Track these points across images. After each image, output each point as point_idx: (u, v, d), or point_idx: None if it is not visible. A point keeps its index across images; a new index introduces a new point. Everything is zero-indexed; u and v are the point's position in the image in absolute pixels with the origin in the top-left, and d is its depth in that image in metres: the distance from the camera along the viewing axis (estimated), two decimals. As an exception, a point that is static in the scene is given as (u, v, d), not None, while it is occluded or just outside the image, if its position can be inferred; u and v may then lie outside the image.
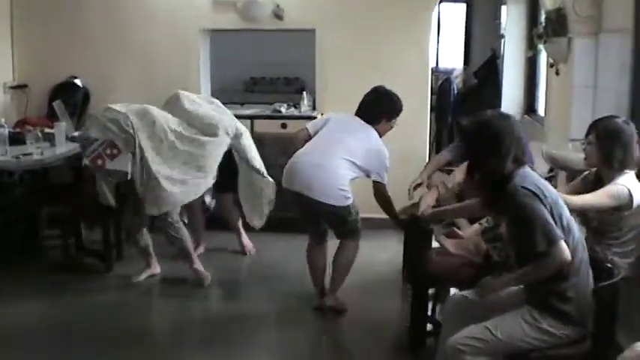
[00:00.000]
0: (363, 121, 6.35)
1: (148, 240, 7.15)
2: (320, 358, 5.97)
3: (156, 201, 6.74)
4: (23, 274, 7.31)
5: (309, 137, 6.34)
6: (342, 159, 6.04)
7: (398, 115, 6.52)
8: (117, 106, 6.78)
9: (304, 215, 6.37)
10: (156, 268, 7.21)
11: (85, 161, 6.68)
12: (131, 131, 6.61)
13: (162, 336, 6.26)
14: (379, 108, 6.41)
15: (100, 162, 6.60)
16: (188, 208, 7.47)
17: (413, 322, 5.59)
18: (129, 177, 6.68)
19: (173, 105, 7.07)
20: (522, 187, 3.97)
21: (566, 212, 4.09)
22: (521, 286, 4.25)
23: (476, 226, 5.33)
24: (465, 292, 4.47)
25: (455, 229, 5.39)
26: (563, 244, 3.91)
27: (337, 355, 6.10)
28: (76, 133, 7.79)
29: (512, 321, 4.07)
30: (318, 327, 6.28)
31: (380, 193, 6.30)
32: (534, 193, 3.96)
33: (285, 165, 6.24)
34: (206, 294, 6.98)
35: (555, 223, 3.94)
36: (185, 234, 7.02)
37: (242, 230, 7.89)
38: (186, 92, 7.25)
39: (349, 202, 6.06)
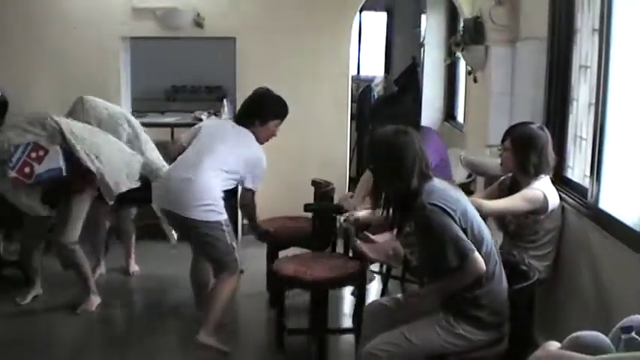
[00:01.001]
0: (239, 126, 5.91)
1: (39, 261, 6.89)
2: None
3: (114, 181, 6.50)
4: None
5: (184, 149, 5.90)
6: (212, 170, 5.58)
7: (278, 118, 6.05)
8: (27, 114, 6.64)
9: (180, 233, 6.28)
10: (39, 289, 6.92)
11: (12, 174, 6.15)
12: (54, 125, 6.32)
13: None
14: (254, 109, 5.98)
15: (27, 170, 6.18)
16: (93, 223, 7.14)
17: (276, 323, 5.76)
18: (64, 173, 6.29)
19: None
20: (430, 203, 3.93)
21: (477, 219, 4.09)
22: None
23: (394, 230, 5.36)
24: (382, 300, 4.49)
25: (367, 233, 5.42)
26: (476, 255, 3.91)
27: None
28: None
29: (427, 326, 4.07)
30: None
31: (248, 200, 5.90)
32: (442, 209, 3.92)
33: None
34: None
35: (466, 233, 3.94)
36: (82, 257, 6.68)
37: (133, 250, 7.71)
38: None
39: (218, 217, 5.56)
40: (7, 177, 6.17)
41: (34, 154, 6.20)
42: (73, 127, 6.41)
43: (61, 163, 6.27)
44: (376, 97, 11.41)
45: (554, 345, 3.09)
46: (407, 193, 4.04)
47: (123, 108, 7.78)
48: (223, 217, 5.59)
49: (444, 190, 4.06)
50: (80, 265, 6.63)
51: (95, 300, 6.69)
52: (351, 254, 5.77)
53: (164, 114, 9.10)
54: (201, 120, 8.47)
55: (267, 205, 7.03)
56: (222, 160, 5.64)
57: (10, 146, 6.18)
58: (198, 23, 8.45)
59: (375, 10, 12.81)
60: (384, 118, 6.18)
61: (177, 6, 8.40)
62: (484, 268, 3.93)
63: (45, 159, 6.22)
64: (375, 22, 13.07)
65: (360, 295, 6.05)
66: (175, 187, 5.60)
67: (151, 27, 8.58)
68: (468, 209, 4.06)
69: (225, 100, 8.86)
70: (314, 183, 6.41)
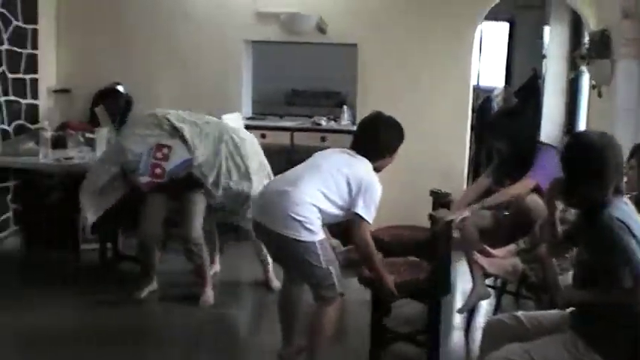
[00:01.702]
0: (358, 155, 5.25)
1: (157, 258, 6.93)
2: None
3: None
4: (59, 277, 7.37)
5: None
6: (312, 186, 4.99)
7: (400, 145, 5.50)
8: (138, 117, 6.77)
9: (269, 250, 5.72)
10: (155, 284, 6.97)
11: (144, 180, 6.38)
12: (169, 123, 6.49)
13: (191, 345, 6.26)
14: (380, 143, 5.37)
15: (158, 170, 6.37)
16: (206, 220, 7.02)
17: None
18: (195, 162, 6.43)
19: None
20: (617, 218, 3.75)
21: None
22: (568, 310, 4.17)
23: (511, 246, 5.30)
24: (502, 316, 4.41)
25: (487, 247, 5.36)
26: None
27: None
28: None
29: (551, 347, 3.90)
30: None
31: (360, 234, 5.03)
32: (628, 228, 3.75)
33: None
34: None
35: None
36: (205, 253, 6.75)
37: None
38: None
39: (312, 237, 4.93)
40: (141, 183, 6.42)
41: (159, 154, 6.35)
42: (180, 114, 6.63)
43: (189, 153, 6.42)
44: (496, 108, 11.27)
45: None
46: (598, 200, 3.86)
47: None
48: (317, 237, 4.96)
49: (630, 212, 3.88)
50: (204, 259, 6.71)
51: (211, 295, 6.76)
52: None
53: (283, 118, 9.14)
54: (320, 125, 8.52)
55: (384, 214, 7.02)
56: (326, 180, 5.03)
57: (134, 155, 6.37)
58: (321, 29, 8.48)
59: (497, 20, 12.70)
60: (503, 130, 6.05)
61: (300, 11, 8.45)
62: None
63: (170, 155, 6.38)
64: (497, 33, 12.96)
65: (470, 309, 6.06)
66: (270, 198, 5.08)
67: (273, 31, 8.66)
68: None
69: (344, 107, 8.87)
70: (432, 193, 6.35)
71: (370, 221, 5.05)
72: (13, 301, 6.64)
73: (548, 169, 5.74)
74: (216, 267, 7.48)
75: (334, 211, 5.04)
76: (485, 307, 6.68)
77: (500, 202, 5.96)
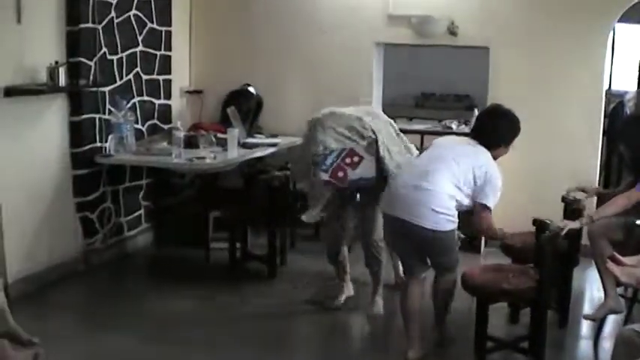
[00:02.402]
0: (478, 144, 5.60)
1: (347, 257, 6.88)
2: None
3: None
4: (188, 274, 7.54)
5: None
6: (445, 178, 5.36)
7: (516, 137, 5.80)
8: (344, 110, 6.42)
9: (401, 244, 5.75)
10: (350, 290, 6.90)
11: (324, 177, 6.19)
12: (372, 135, 6.22)
13: (316, 347, 6.30)
14: (497, 132, 5.68)
15: (341, 174, 6.17)
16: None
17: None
18: (374, 183, 6.23)
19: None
20: None
21: None
22: None
23: None
24: (636, 326, 4.33)
25: (616, 254, 5.26)
26: None
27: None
28: (249, 140, 8.00)
29: None
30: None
31: (487, 222, 5.52)
32: None
33: None
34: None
35: None
36: (384, 259, 6.64)
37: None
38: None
39: (453, 226, 5.43)
40: (316, 178, 6.26)
41: (348, 160, 6.18)
42: (388, 143, 6.31)
43: (375, 174, 6.22)
44: (628, 113, 11.03)
45: None
46: None
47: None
48: (456, 225, 5.47)
49: None
50: (382, 263, 6.62)
51: (381, 304, 6.67)
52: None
53: (412, 120, 9.14)
54: (450, 128, 8.48)
55: (513, 219, 6.95)
56: (453, 171, 5.39)
57: (325, 149, 6.18)
58: (453, 32, 8.43)
59: (631, 22, 12.42)
60: (629, 136, 5.94)
61: (432, 14, 8.41)
62: None
63: (359, 166, 6.20)
64: (631, 35, 12.67)
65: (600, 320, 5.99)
66: (405, 193, 5.43)
67: (405, 34, 8.64)
68: None
69: (475, 110, 8.80)
70: (564, 199, 6.26)
71: (491, 206, 5.47)
72: (144, 297, 6.86)
73: None
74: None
75: (465, 200, 5.44)
76: (615, 317, 6.56)
77: (613, 213, 5.83)
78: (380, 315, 6.59)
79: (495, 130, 5.68)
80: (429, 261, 5.68)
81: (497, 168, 5.55)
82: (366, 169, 6.20)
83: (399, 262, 6.63)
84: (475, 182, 5.40)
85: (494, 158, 5.59)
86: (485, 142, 5.59)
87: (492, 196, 5.45)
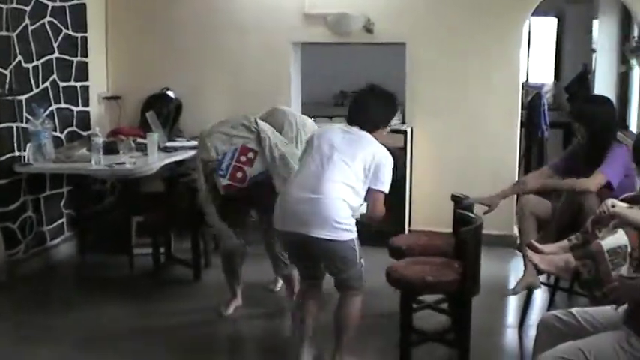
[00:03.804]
0: (358, 131, 5.28)
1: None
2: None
3: None
4: (113, 281, 7.49)
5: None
6: (337, 184, 5.07)
7: (394, 116, 5.63)
8: (228, 118, 6.46)
9: (298, 257, 5.52)
10: (240, 299, 6.71)
11: (224, 182, 6.10)
12: (256, 126, 6.18)
13: (241, 348, 6.29)
14: (374, 114, 5.36)
15: (240, 175, 6.09)
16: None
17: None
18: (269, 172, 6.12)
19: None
20: None
21: None
22: (623, 307, 4.14)
23: (563, 242, 5.27)
24: (557, 312, 4.39)
25: (534, 242, 5.34)
26: None
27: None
28: (169, 144, 7.96)
29: (606, 344, 3.86)
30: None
31: (381, 207, 5.30)
32: None
33: None
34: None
35: None
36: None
37: None
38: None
39: (352, 235, 5.13)
40: (219, 185, 6.14)
41: (243, 158, 6.10)
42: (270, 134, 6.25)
43: (267, 164, 6.12)
44: (546, 104, 11.17)
45: None
46: None
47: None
48: (355, 234, 5.16)
49: None
50: (289, 265, 6.48)
51: None
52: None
53: (332, 119, 9.13)
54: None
55: (435, 215, 7.03)
56: (344, 171, 5.10)
57: (216, 155, 6.11)
58: (369, 29, 8.47)
59: (546, 15, 12.60)
60: (588, 114, 5.96)
61: (348, 12, 8.45)
62: None
63: (256, 161, 6.13)
64: (545, 28, 12.86)
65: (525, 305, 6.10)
66: (302, 208, 5.08)
67: (321, 32, 8.66)
68: None
69: (393, 106, 8.86)
70: (454, 197, 6.29)
71: (386, 191, 5.26)
72: (70, 306, 6.77)
73: (619, 167, 5.71)
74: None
75: (358, 201, 5.20)
76: (538, 304, 6.67)
77: (561, 188, 5.95)
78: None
79: (372, 112, 5.37)
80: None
81: (385, 150, 5.27)
82: (264, 163, 6.13)
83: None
84: (367, 173, 5.15)
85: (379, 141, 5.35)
86: (364, 126, 5.29)
87: (387, 180, 5.23)
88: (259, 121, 6.29)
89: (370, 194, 5.22)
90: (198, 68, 8.99)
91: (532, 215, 6.04)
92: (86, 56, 8.59)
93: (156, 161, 7.52)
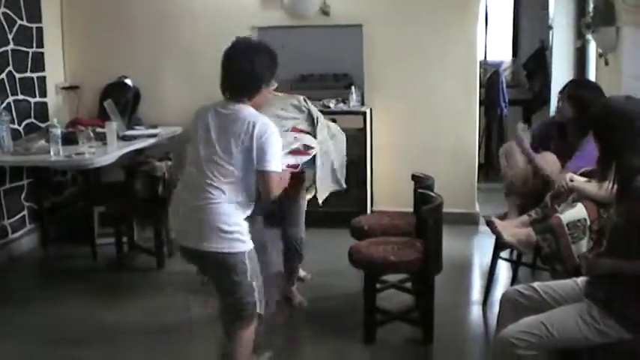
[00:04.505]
0: (233, 107, 4.47)
1: None
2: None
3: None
4: (76, 272, 7.45)
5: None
6: (220, 183, 4.36)
7: (273, 74, 4.68)
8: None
9: (204, 274, 5.06)
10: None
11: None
12: (307, 105, 5.88)
13: (208, 334, 6.27)
14: (253, 73, 4.52)
15: (292, 160, 5.50)
16: None
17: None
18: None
19: None
20: None
21: None
22: (584, 279, 4.19)
23: (524, 217, 5.31)
24: (519, 287, 4.42)
25: (494, 218, 5.40)
26: None
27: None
28: (129, 132, 7.92)
29: (568, 317, 3.93)
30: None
31: (274, 188, 4.48)
32: None
33: None
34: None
35: None
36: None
37: None
38: None
39: (243, 247, 4.42)
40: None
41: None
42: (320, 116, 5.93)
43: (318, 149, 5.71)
44: (504, 82, 11.22)
45: None
46: (634, 165, 3.82)
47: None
48: (248, 246, 4.43)
49: None
50: (302, 258, 6.35)
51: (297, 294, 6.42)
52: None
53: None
54: (329, 107, 8.50)
55: (397, 196, 7.04)
56: (225, 167, 4.38)
57: None
58: (325, 11, 8.50)
59: (502, -7, 12.66)
60: (578, 96, 5.90)
61: (304, -5, 8.47)
62: None
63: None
64: (502, 6, 12.89)
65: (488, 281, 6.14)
66: (190, 216, 4.44)
67: (279, 16, 8.69)
68: None
69: (352, 88, 8.86)
70: (414, 177, 6.30)
71: (277, 170, 4.47)
72: (33, 299, 6.73)
73: (585, 163, 5.72)
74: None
75: (252, 189, 4.50)
76: (502, 280, 6.72)
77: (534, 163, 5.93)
78: (304, 304, 6.37)
79: (244, 73, 4.51)
80: None
81: (267, 120, 4.49)
82: (312, 141, 5.68)
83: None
84: (250, 157, 4.38)
85: (258, 107, 4.59)
86: (240, 95, 4.50)
87: (273, 159, 4.41)
88: (308, 101, 5.92)
89: (258, 176, 4.43)
90: (156, 55, 8.96)
91: (517, 196, 6.07)
92: (42, 47, 8.52)
93: (115, 150, 7.47)
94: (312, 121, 5.84)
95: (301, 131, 5.66)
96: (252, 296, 4.45)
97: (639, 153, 3.81)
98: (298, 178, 5.89)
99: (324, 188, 5.98)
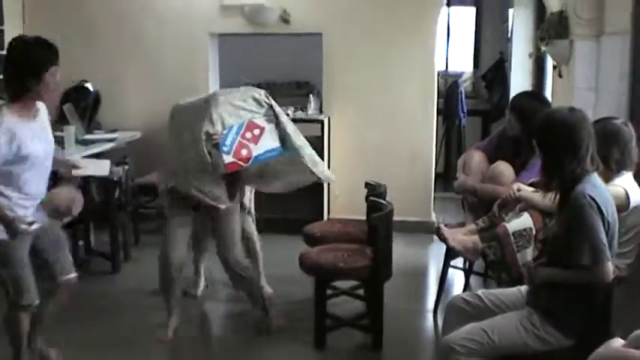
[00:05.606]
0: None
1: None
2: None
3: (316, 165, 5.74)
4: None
5: None
6: None
7: (51, 63, 4.65)
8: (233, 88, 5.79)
9: None
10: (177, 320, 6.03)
11: (227, 159, 5.32)
12: (267, 100, 5.64)
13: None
14: (17, 71, 4.57)
15: (245, 152, 5.39)
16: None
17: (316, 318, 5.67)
18: (281, 155, 5.63)
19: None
20: (590, 195, 3.83)
21: (616, 235, 4.01)
22: (524, 287, 4.28)
23: (471, 225, 5.38)
24: (464, 294, 4.50)
25: (442, 225, 5.48)
26: (608, 265, 3.83)
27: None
28: (87, 136, 7.92)
29: (509, 324, 4.01)
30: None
31: None
32: (598, 207, 3.83)
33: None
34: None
35: (609, 244, 3.86)
36: (251, 271, 6.05)
37: None
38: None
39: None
40: (221, 162, 5.37)
41: (249, 134, 5.44)
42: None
43: (279, 143, 5.60)
44: (463, 92, 11.33)
45: (618, 342, 3.08)
46: (576, 175, 3.91)
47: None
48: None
49: (603, 190, 3.96)
50: (254, 281, 6.08)
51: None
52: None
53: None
54: (287, 115, 8.52)
55: (352, 202, 7.09)
56: None
57: (223, 127, 5.41)
58: (285, 19, 8.55)
59: (464, 4, 12.75)
60: (528, 110, 5.89)
61: (263, 3, 8.53)
62: (610, 279, 3.87)
63: (261, 138, 5.51)
64: (464, 17, 13.01)
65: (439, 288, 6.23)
66: None
67: (239, 23, 8.73)
68: (615, 217, 3.96)
69: (311, 96, 8.92)
70: (367, 185, 6.34)
71: None
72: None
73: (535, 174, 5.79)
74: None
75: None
76: (455, 289, 6.80)
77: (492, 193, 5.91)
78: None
79: (16, 68, 4.60)
80: None
81: None
82: (269, 140, 5.54)
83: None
84: None
85: (54, 99, 5.08)
86: (14, 90, 4.57)
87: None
88: (270, 97, 5.73)
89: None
90: (116, 60, 8.99)
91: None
92: (2, 49, 8.50)
93: (73, 154, 7.46)
94: (273, 117, 5.64)
95: (257, 126, 5.52)
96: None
97: (579, 163, 3.89)
98: (236, 180, 5.72)
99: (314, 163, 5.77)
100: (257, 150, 5.45)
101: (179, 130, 5.65)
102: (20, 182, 4.58)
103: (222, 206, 5.58)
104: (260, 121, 5.53)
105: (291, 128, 5.70)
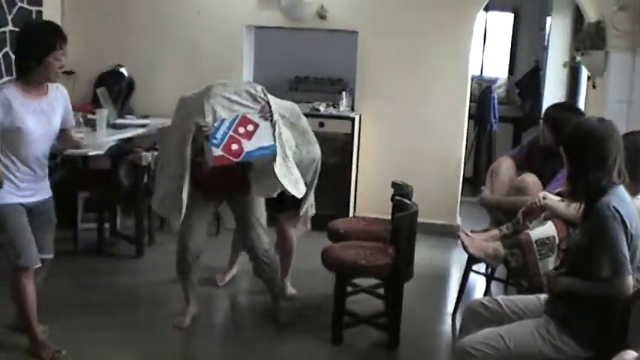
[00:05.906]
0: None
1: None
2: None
3: (297, 183, 5.68)
4: (58, 255, 7.42)
5: None
6: None
7: (53, 48, 5.05)
8: (230, 81, 5.81)
9: None
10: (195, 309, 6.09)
11: (216, 153, 5.29)
12: (263, 96, 5.60)
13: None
14: (22, 54, 5.13)
15: (235, 147, 5.32)
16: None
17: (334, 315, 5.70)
18: (276, 149, 5.49)
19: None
20: (614, 207, 3.81)
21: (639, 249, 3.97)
22: (544, 296, 4.28)
23: (494, 231, 5.38)
24: (483, 299, 4.50)
25: (461, 233, 5.48)
26: (629, 279, 3.81)
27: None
28: (119, 120, 7.97)
29: (525, 331, 4.02)
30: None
31: None
32: (622, 219, 3.81)
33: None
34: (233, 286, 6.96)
35: (631, 258, 3.84)
36: (277, 261, 6.13)
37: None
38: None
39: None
40: (210, 156, 5.36)
41: (241, 129, 5.37)
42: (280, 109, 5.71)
43: (274, 142, 5.49)
44: (496, 99, 11.28)
45: (630, 354, 3.07)
46: (602, 187, 3.89)
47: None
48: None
49: (628, 203, 3.93)
50: (277, 271, 6.10)
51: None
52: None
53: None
54: (318, 110, 8.56)
55: (375, 201, 7.10)
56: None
57: (215, 120, 5.38)
58: (322, 15, 8.56)
59: (502, 10, 12.71)
60: (561, 122, 5.86)
61: (301, -3, 8.56)
62: (629, 293, 3.84)
63: (255, 135, 5.41)
64: (502, 23, 12.96)
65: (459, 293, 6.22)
66: None
67: (275, 17, 8.74)
68: (639, 231, 3.92)
69: (343, 93, 8.94)
70: (394, 185, 6.36)
71: None
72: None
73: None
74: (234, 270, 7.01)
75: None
76: (476, 294, 6.80)
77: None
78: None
79: (18, 51, 5.24)
80: None
81: None
82: (262, 137, 5.43)
83: None
84: None
85: (52, 78, 5.28)
86: (18, 69, 5.16)
87: None
88: (267, 93, 5.69)
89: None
90: (153, 47, 9.03)
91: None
92: (39, 30, 8.56)
93: (104, 137, 7.54)
94: (269, 115, 5.53)
95: (251, 122, 5.42)
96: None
97: (606, 174, 3.89)
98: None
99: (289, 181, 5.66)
100: (249, 146, 5.39)
101: (177, 122, 5.78)
102: (20, 153, 5.06)
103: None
104: (254, 117, 5.46)
105: (285, 130, 5.69)
